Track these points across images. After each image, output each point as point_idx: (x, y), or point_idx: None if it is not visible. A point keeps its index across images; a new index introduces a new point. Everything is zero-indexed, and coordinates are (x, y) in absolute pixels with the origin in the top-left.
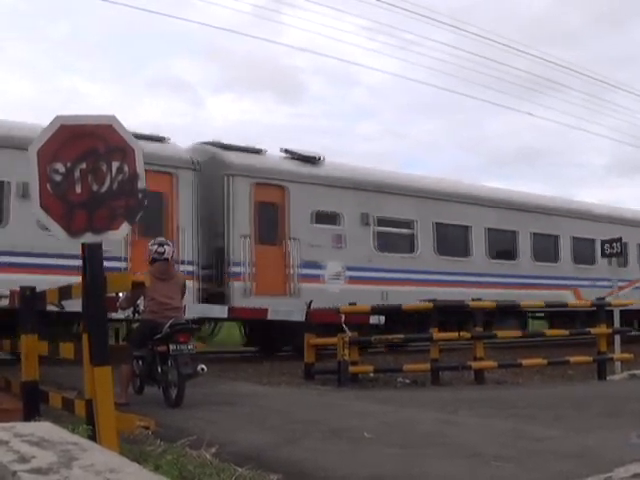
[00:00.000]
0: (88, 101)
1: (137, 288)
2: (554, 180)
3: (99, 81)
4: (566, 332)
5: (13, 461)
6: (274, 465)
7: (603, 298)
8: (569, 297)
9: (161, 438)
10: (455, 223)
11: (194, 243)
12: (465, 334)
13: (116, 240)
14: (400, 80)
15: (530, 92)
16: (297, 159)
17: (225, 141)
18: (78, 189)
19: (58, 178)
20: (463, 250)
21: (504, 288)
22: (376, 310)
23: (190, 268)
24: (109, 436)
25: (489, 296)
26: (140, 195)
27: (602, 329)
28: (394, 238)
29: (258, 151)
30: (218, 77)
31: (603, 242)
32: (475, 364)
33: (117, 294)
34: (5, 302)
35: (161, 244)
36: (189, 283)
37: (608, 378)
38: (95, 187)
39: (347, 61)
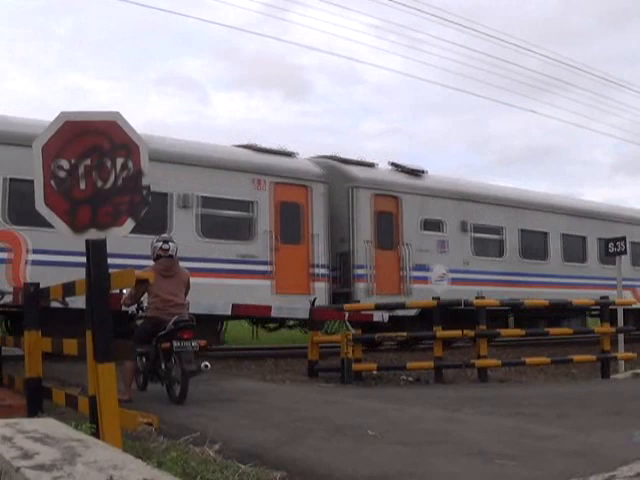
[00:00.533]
0: (94, 98)
1: (141, 285)
2: (560, 178)
3: (106, 78)
4: (570, 331)
5: (17, 457)
6: (278, 462)
7: None
8: (629, 297)
9: (164, 435)
10: (536, 229)
11: (325, 248)
12: (468, 332)
13: (262, 246)
14: (407, 79)
15: (537, 91)
16: (405, 172)
17: (343, 155)
18: (82, 185)
19: (62, 174)
20: (542, 254)
21: (575, 288)
22: (380, 307)
23: (322, 271)
24: (112, 432)
25: (563, 296)
26: (144, 192)
27: (606, 328)
28: (487, 243)
29: (372, 165)
30: (226, 75)
31: (607, 240)
32: (479, 362)
33: (121, 291)
34: (9, 299)
35: (165, 241)
36: (321, 285)
37: (612, 377)
38: (99, 183)
39: (355, 59)
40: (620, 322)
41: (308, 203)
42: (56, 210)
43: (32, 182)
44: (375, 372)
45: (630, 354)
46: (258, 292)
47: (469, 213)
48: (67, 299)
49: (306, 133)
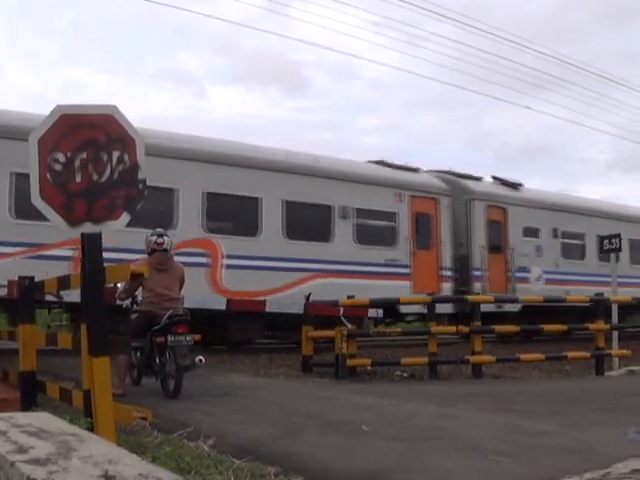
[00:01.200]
0: (92, 92)
1: (135, 279)
2: (556, 175)
3: (103, 72)
4: (564, 327)
5: (11, 451)
6: (272, 458)
7: None
8: None
9: (158, 429)
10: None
11: (450, 253)
12: (463, 328)
13: (403, 251)
14: (404, 75)
15: (534, 88)
16: (507, 185)
17: (456, 170)
18: (78, 179)
19: (58, 167)
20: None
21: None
22: (374, 304)
23: (448, 273)
24: (107, 427)
25: (628, 294)
26: (140, 185)
27: (600, 325)
28: (572, 248)
29: (480, 178)
30: (224, 70)
31: (602, 238)
32: (473, 358)
33: (115, 285)
34: (3, 292)
35: (160, 235)
36: (447, 285)
37: (606, 374)
38: (95, 177)
39: (353, 55)
40: (615, 319)
41: (437, 213)
42: (52, 203)
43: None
44: (369, 367)
45: (624, 351)
46: (400, 292)
47: (559, 221)
48: (62, 292)
49: (303, 128)
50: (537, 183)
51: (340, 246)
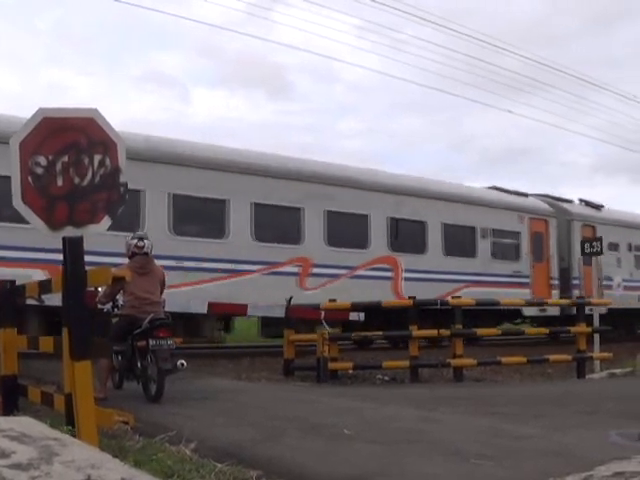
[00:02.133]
0: (75, 95)
1: (117, 283)
2: (539, 178)
3: (86, 74)
4: (546, 330)
5: None
6: (254, 461)
7: None
8: None
9: (140, 433)
10: None
11: (556, 265)
12: (444, 331)
13: (525, 264)
14: (385, 78)
15: (517, 92)
16: (592, 207)
17: (551, 194)
18: (60, 182)
19: (40, 171)
20: None
21: None
22: (356, 307)
23: (556, 282)
24: (89, 431)
25: None
26: (122, 189)
27: (582, 328)
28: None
29: (571, 201)
30: (207, 73)
31: (583, 241)
32: (454, 361)
33: (96, 288)
34: None
35: (140, 238)
36: (555, 292)
37: (587, 377)
38: (77, 180)
39: (336, 59)
40: (596, 322)
41: (547, 232)
42: (33, 207)
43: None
44: (351, 371)
45: (606, 354)
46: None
47: (632, 237)
48: (43, 297)
49: (285, 131)
50: (521, 186)
51: (482, 261)
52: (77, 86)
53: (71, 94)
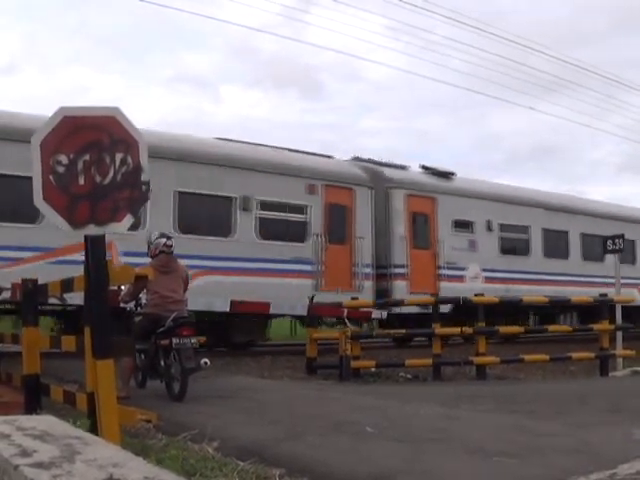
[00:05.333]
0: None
1: (140, 281)
2: (565, 177)
3: (117, 74)
4: (569, 328)
5: (15, 455)
6: (276, 460)
7: None
8: None
9: (163, 432)
10: None
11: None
12: (467, 329)
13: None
14: (411, 77)
15: (544, 91)
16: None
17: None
18: (81, 181)
19: (61, 170)
20: None
21: None
22: (379, 305)
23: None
24: (111, 430)
25: None
26: (144, 187)
27: (605, 325)
28: None
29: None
30: (236, 73)
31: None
32: (477, 359)
33: (119, 287)
34: (7, 295)
35: (169, 237)
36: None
37: (610, 374)
38: (98, 179)
39: (364, 59)
40: (618, 319)
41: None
42: (55, 205)
43: None
44: (373, 369)
45: (629, 351)
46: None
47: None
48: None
49: (310, 130)
50: (548, 185)
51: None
52: (109, 85)
53: (106, 95)
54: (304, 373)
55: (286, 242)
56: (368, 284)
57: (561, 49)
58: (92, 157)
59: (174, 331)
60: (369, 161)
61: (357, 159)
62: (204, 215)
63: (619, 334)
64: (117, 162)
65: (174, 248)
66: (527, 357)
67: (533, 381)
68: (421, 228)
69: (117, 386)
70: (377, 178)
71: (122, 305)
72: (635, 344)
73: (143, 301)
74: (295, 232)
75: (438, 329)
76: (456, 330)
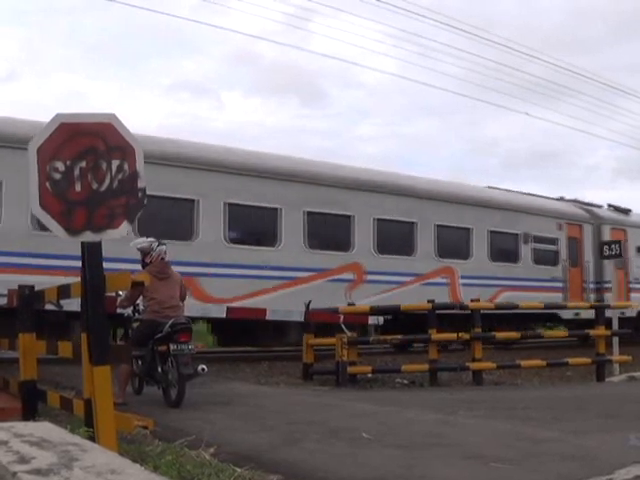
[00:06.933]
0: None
1: (136, 287)
2: (561, 182)
3: (126, 85)
4: (565, 334)
5: (13, 462)
6: (273, 466)
7: None
8: None
9: (159, 438)
10: None
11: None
12: (463, 335)
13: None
14: (407, 83)
15: (540, 96)
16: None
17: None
18: (78, 187)
19: (58, 176)
20: None
21: None
22: (375, 311)
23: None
24: (108, 436)
25: None
26: (140, 194)
27: (601, 331)
28: None
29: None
30: (240, 82)
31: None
32: (474, 365)
33: (117, 293)
34: (3, 301)
35: (165, 244)
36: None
37: (607, 380)
38: (95, 185)
39: (362, 65)
40: (615, 325)
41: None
42: (51, 212)
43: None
44: (370, 375)
45: (625, 357)
46: None
47: None
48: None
49: (306, 136)
50: (541, 189)
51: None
52: (104, 92)
53: (104, 103)
54: (300, 379)
55: (546, 266)
56: (592, 296)
57: (557, 55)
58: (88, 164)
59: (172, 337)
60: (587, 204)
61: (576, 201)
62: (499, 247)
63: (616, 340)
64: (113, 169)
65: (167, 255)
66: (524, 362)
67: (530, 387)
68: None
69: (114, 392)
70: (593, 216)
71: (120, 311)
72: (632, 350)
73: (141, 307)
74: (551, 258)
75: (435, 335)
76: (452, 336)
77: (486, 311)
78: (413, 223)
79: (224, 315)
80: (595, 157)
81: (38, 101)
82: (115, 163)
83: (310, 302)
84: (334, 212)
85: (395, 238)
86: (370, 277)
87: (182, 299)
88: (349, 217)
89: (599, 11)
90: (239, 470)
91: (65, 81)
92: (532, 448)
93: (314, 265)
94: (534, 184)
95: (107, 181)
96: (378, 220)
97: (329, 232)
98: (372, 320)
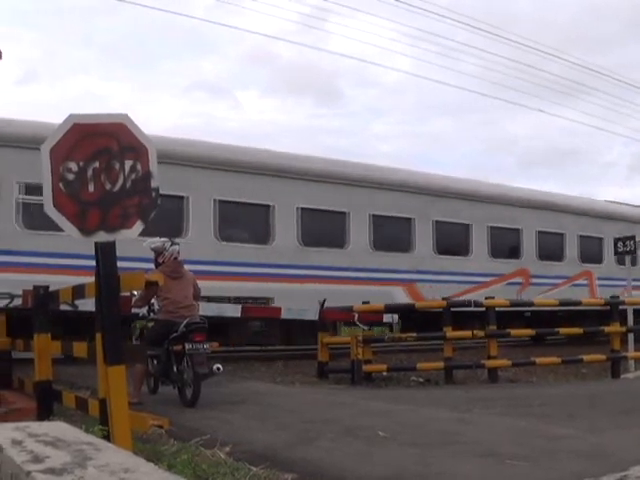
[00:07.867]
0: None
1: (150, 287)
2: (577, 179)
3: (142, 86)
4: (580, 330)
5: (27, 461)
6: (288, 464)
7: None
8: None
9: (175, 437)
10: None
11: None
12: (478, 332)
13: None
14: (423, 81)
15: (556, 94)
16: None
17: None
18: (91, 188)
19: (71, 177)
20: None
21: None
22: (389, 309)
23: None
24: (123, 435)
25: None
26: (153, 194)
27: (616, 327)
28: None
29: None
30: (255, 81)
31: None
32: (489, 362)
33: (132, 293)
34: (18, 302)
35: (177, 243)
36: None
37: (622, 376)
38: (108, 186)
39: (380, 65)
40: (630, 321)
41: None
42: (65, 213)
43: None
44: (385, 373)
45: None
46: None
47: None
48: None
49: (324, 137)
50: (562, 188)
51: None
52: (120, 93)
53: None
54: (315, 378)
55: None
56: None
57: (573, 52)
58: (102, 164)
59: (187, 336)
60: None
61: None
62: (551, 248)
63: (631, 336)
64: (127, 169)
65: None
66: (539, 360)
67: (545, 384)
68: None
69: (128, 392)
70: None
71: (135, 310)
72: None
73: (156, 307)
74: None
75: (450, 332)
76: (467, 333)
77: (546, 308)
78: (563, 234)
79: (239, 314)
80: (610, 154)
81: (55, 103)
82: (128, 163)
83: (325, 301)
84: (508, 226)
85: (551, 247)
86: (534, 280)
87: (196, 298)
88: (518, 230)
89: (613, 8)
90: (254, 469)
91: (81, 82)
92: (547, 445)
93: (494, 271)
94: (551, 182)
95: (120, 181)
96: (539, 232)
97: (505, 243)
98: (387, 318)
